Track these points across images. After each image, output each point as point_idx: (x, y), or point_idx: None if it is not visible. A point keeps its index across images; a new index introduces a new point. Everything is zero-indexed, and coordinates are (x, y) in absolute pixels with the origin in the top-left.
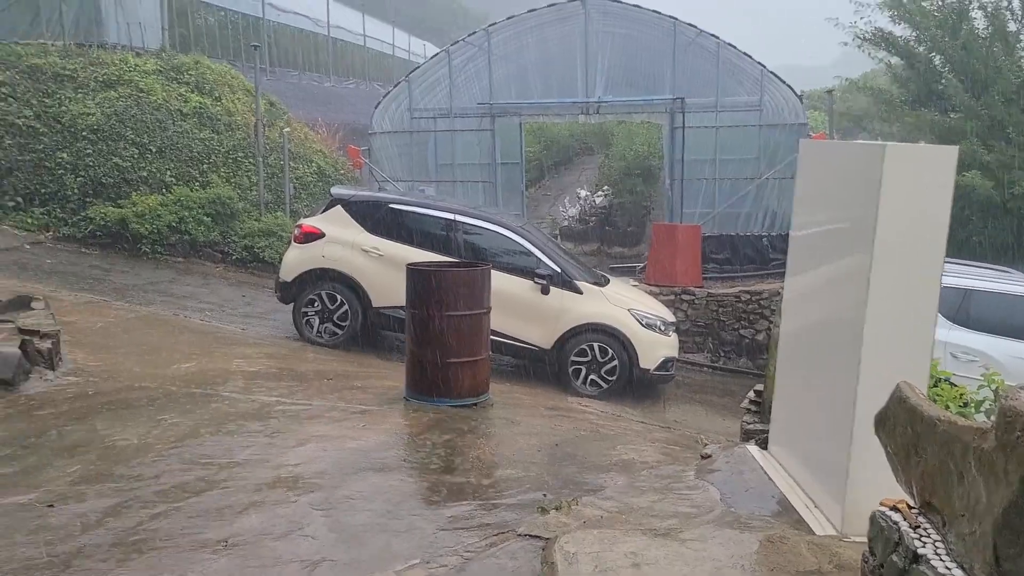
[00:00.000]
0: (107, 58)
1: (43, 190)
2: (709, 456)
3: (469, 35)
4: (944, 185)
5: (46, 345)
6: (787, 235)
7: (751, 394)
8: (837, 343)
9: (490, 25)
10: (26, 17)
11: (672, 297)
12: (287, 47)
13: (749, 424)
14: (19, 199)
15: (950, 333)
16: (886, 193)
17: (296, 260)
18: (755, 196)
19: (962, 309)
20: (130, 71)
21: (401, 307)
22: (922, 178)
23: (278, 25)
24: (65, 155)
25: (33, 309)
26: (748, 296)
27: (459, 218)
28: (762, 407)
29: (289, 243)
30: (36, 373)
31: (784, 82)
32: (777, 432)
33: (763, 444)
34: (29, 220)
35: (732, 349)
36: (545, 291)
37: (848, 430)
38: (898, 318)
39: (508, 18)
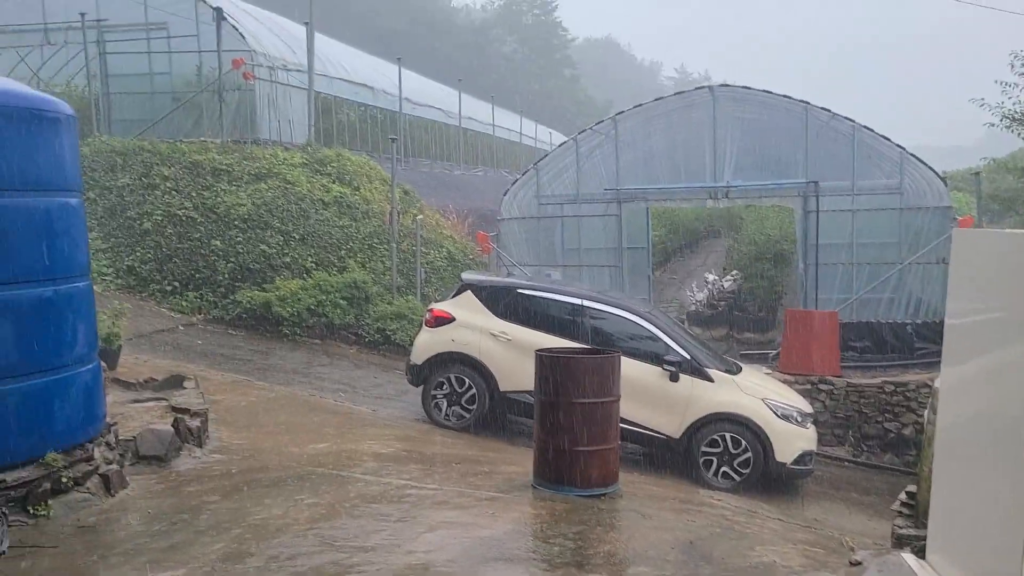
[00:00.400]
0: (259, 153)
1: (197, 275)
2: (859, 563)
3: (596, 123)
4: None
5: (195, 423)
6: (933, 323)
7: (903, 495)
8: (1005, 439)
9: (617, 113)
10: (190, 119)
11: (808, 386)
12: (421, 138)
13: (902, 528)
14: (176, 283)
15: None
16: None
17: (426, 343)
18: (897, 281)
19: None
20: (279, 164)
21: (528, 391)
22: None
23: (413, 118)
24: (218, 242)
25: (185, 388)
26: (892, 387)
27: (586, 303)
28: (916, 510)
29: (420, 326)
30: (186, 450)
31: (925, 164)
32: (936, 539)
33: (920, 552)
34: (184, 303)
35: (875, 443)
36: (674, 378)
37: (1021, 540)
38: None
39: (635, 106)
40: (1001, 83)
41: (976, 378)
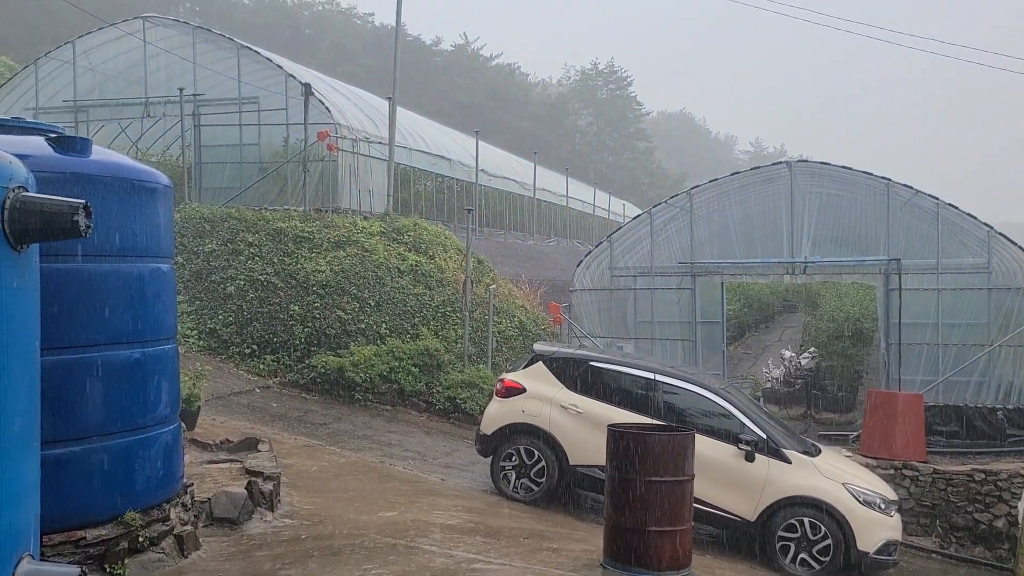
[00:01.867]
0: (339, 221)
1: (275, 339)
2: None
3: (671, 197)
4: None
5: (268, 487)
6: None
7: None
8: None
9: (692, 187)
10: (275, 188)
11: (891, 472)
12: (495, 208)
13: None
14: (255, 346)
15: None
16: None
17: (496, 414)
18: (986, 364)
19: None
20: (357, 233)
21: (598, 466)
22: None
23: (488, 189)
24: (296, 307)
25: (259, 451)
26: (983, 475)
27: (659, 377)
28: None
29: (490, 396)
30: (258, 514)
31: (1014, 243)
32: None
33: None
34: (261, 366)
35: (964, 535)
36: (750, 458)
37: None
38: None
39: (711, 180)
40: None
41: None
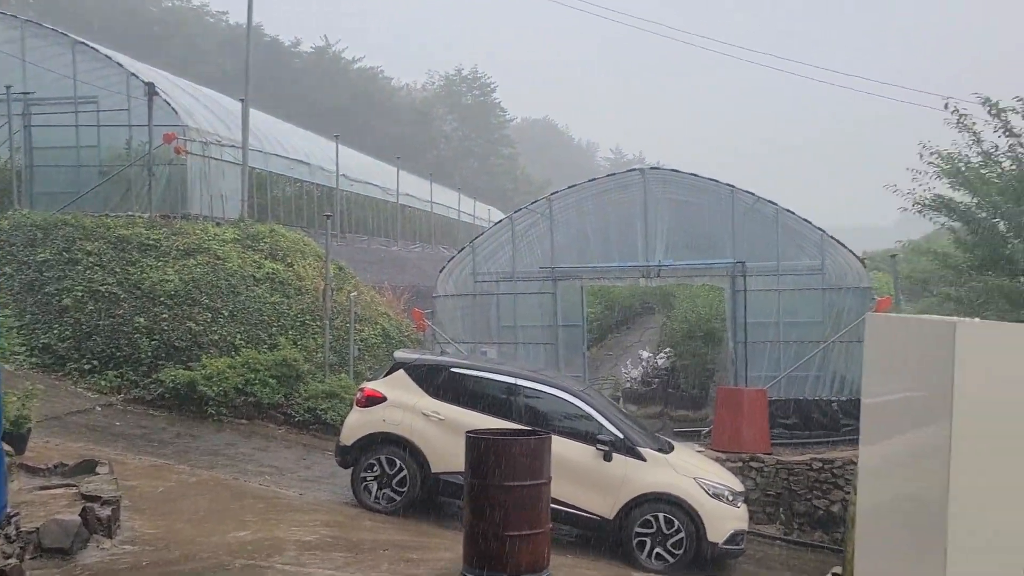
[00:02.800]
0: (189, 228)
1: (118, 353)
2: None
3: (532, 203)
4: None
5: (106, 512)
6: (856, 400)
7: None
8: (923, 520)
9: (552, 193)
10: (117, 193)
11: (740, 464)
12: (357, 214)
13: None
14: (95, 362)
15: None
16: (960, 370)
17: (357, 424)
18: (822, 359)
19: None
20: (209, 240)
21: (460, 473)
22: (1000, 355)
23: (350, 194)
24: (142, 319)
25: (97, 473)
26: (820, 464)
27: (520, 382)
28: None
29: (351, 406)
30: (94, 541)
31: (845, 246)
32: None
33: None
34: (103, 382)
35: (806, 521)
36: (607, 458)
37: None
38: (986, 494)
39: (569, 187)
40: (912, 170)
41: (893, 458)
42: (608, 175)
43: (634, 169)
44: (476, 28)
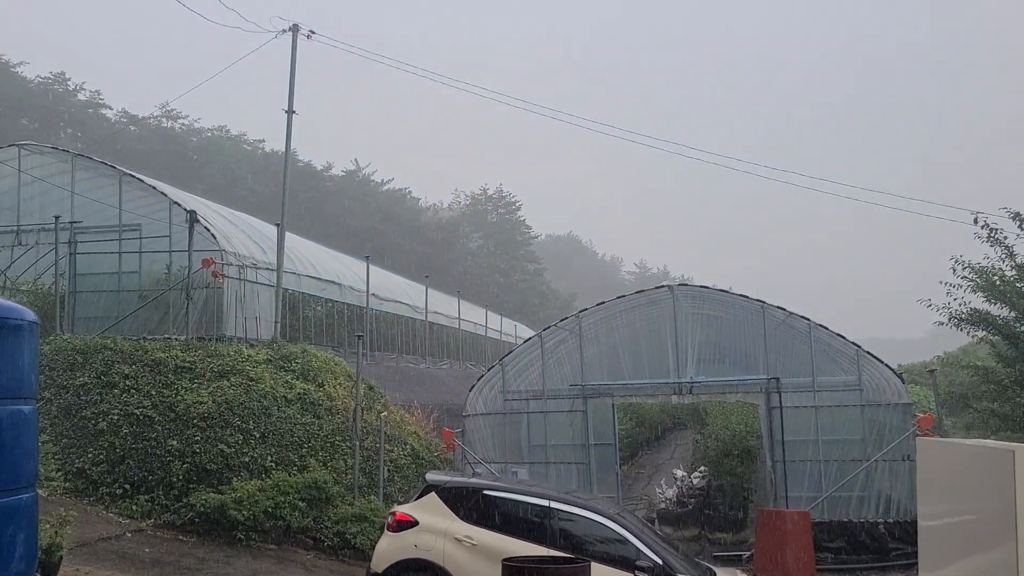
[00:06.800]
0: (224, 350)
1: (150, 477)
2: None
3: (561, 320)
4: None
5: None
6: (905, 522)
7: None
8: None
9: (581, 311)
10: (156, 316)
11: None
12: (387, 332)
13: None
14: (127, 486)
15: None
16: (1022, 493)
17: (388, 549)
18: (865, 479)
19: None
20: (243, 361)
21: None
22: None
23: (380, 313)
24: (175, 442)
25: None
26: None
27: (554, 505)
28: None
29: (382, 529)
30: None
31: (882, 361)
32: None
33: None
34: (134, 507)
35: None
36: None
37: None
38: None
39: (598, 304)
40: (945, 284)
41: None
42: (637, 291)
43: (663, 285)
44: (500, 148)
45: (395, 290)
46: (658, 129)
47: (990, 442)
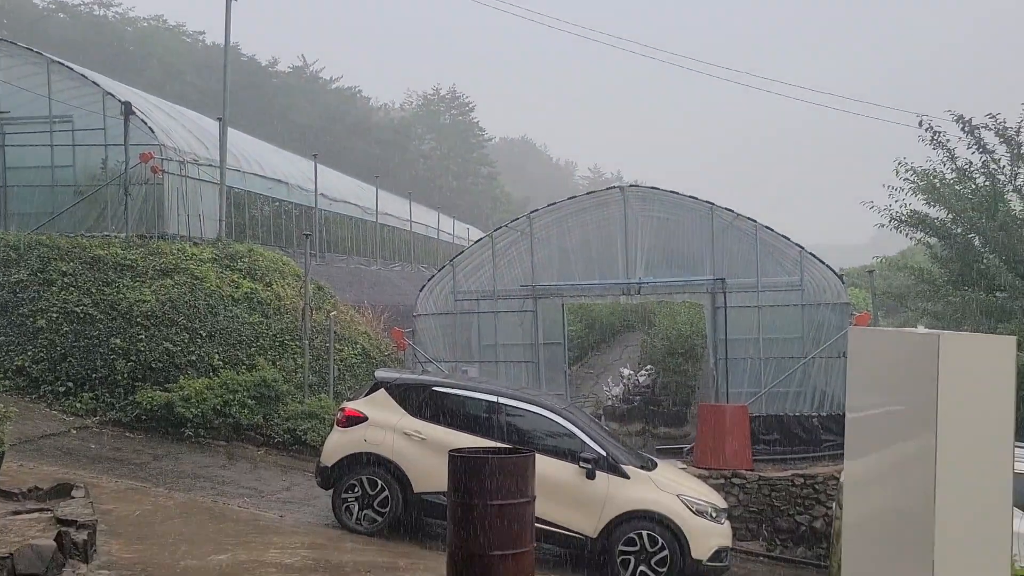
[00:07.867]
0: (166, 248)
1: (94, 375)
2: None
3: (512, 220)
4: (1006, 372)
5: (82, 536)
6: (838, 415)
7: None
8: (909, 532)
9: (532, 211)
10: (93, 213)
11: (722, 481)
12: (337, 233)
13: None
14: (70, 384)
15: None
16: (944, 382)
17: (337, 444)
18: (802, 375)
19: None
20: (187, 260)
21: (443, 493)
22: (981, 366)
23: (329, 213)
24: (118, 340)
25: (73, 497)
26: (802, 480)
27: (502, 400)
28: None
29: (332, 426)
30: (69, 567)
31: (823, 262)
32: None
33: None
34: (78, 405)
35: (788, 537)
36: (591, 476)
37: None
38: (970, 506)
39: (549, 205)
40: (888, 187)
41: (878, 471)
42: (588, 192)
43: (614, 187)
44: (452, 49)
45: (345, 191)
46: (611, 26)
47: (917, 329)
